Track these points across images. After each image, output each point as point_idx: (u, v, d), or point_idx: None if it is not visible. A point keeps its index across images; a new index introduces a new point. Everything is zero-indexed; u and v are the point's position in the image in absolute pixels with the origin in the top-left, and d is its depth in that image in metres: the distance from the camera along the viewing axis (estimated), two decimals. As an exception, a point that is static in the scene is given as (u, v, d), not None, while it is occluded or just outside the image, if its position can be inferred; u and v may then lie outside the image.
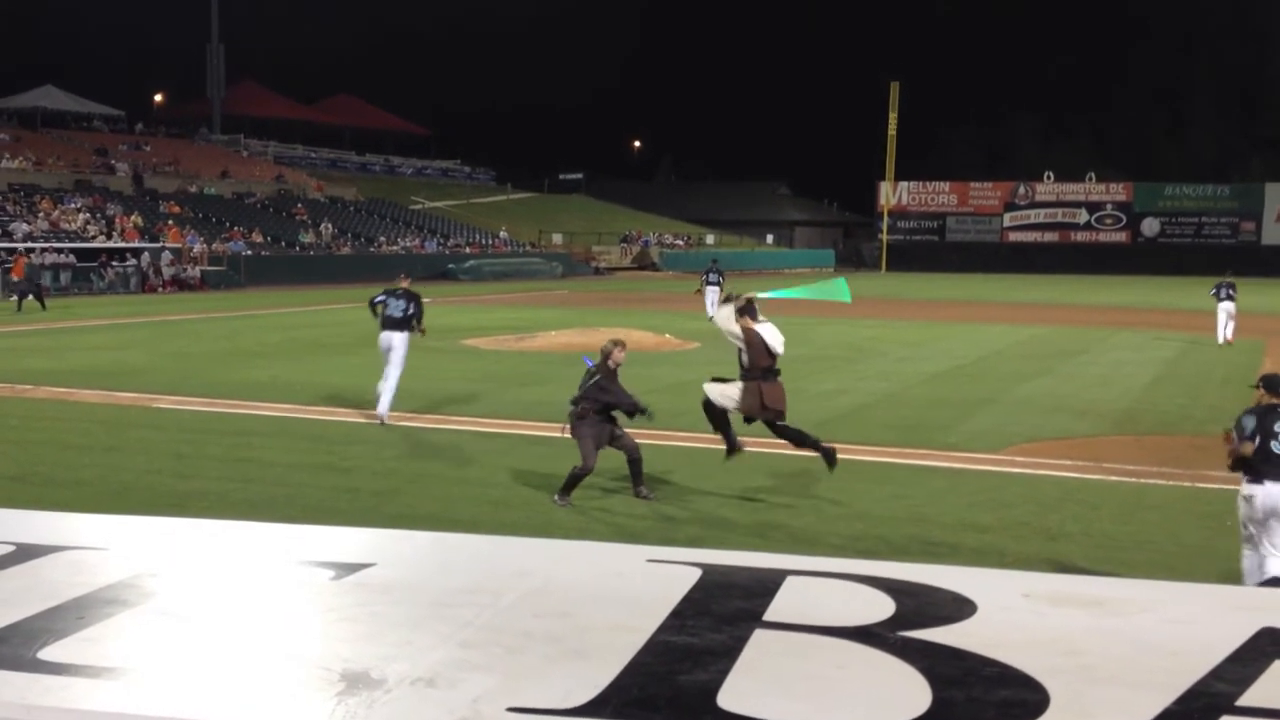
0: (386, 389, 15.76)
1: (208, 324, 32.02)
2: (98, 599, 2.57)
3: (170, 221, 55.79)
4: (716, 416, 11.72)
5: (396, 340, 15.97)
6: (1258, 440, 7.76)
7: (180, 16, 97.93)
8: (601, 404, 11.21)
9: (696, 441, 14.43)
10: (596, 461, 11.11)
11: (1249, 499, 7.77)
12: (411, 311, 16.11)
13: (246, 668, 2.24)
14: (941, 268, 79.06)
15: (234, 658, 2.29)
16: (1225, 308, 28.28)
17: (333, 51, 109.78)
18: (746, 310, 11.59)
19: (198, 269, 50.00)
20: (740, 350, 11.51)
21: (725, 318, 11.72)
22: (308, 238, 61.63)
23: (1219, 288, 28.67)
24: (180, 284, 47.72)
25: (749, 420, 11.70)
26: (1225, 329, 28.15)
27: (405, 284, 16.73)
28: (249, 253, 55.01)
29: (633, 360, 23.32)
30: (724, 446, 11.90)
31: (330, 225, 64.29)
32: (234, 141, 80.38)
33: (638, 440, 11.40)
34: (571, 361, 22.81)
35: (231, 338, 27.72)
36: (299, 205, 66.94)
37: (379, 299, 16.27)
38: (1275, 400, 7.89)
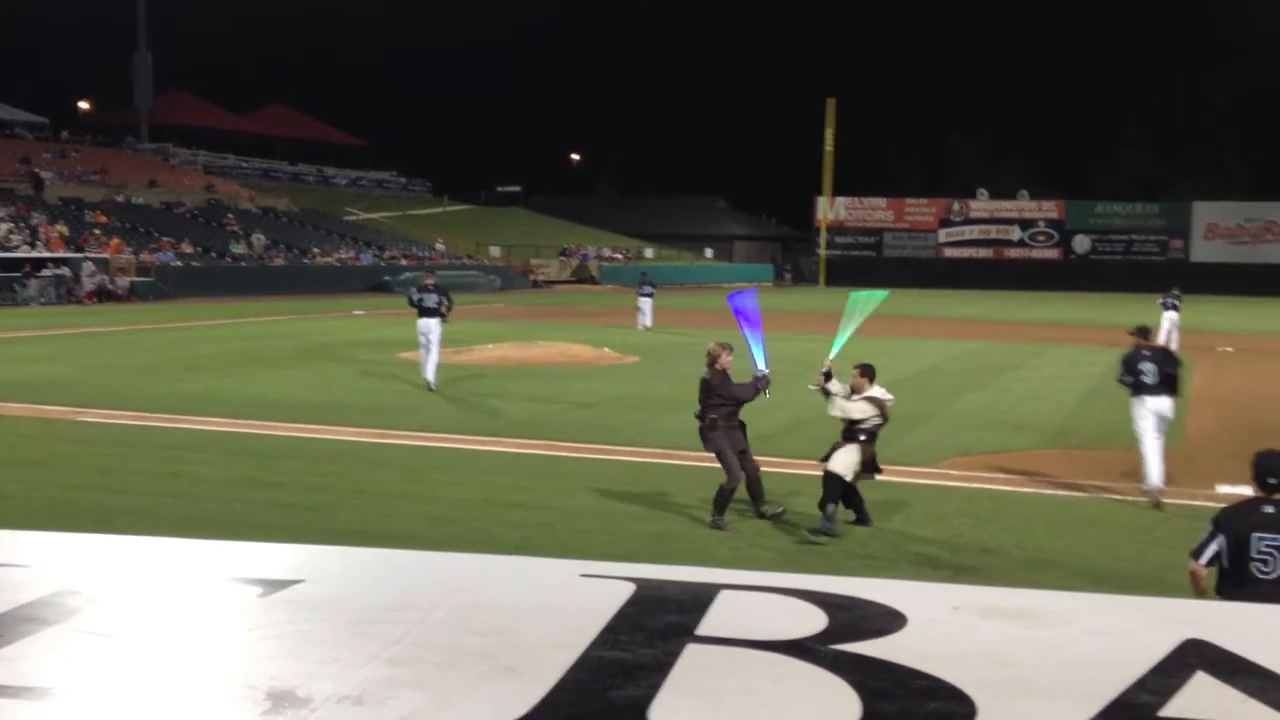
0: (431, 365, 20.39)
1: (136, 336, 31.53)
2: (17, 617, 2.51)
3: (97, 230, 54.93)
4: (838, 489, 10.74)
5: (434, 325, 20.46)
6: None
7: (108, 24, 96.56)
8: (724, 405, 11.07)
9: (638, 456, 14.45)
10: (741, 471, 10.97)
11: None
12: (443, 303, 20.70)
13: (169, 687, 2.20)
14: (878, 283, 79.08)
15: (157, 677, 2.25)
16: (1170, 317, 30.06)
17: (264, 61, 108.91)
18: (866, 371, 11.09)
19: (126, 280, 49.20)
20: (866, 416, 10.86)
21: (846, 404, 10.93)
22: (239, 249, 60.93)
23: (1166, 299, 30.64)
24: (107, 295, 46.92)
25: (851, 481, 10.86)
26: (1168, 337, 29.53)
27: (432, 281, 21.64)
28: (178, 264, 54.27)
29: (571, 374, 23.40)
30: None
31: (262, 236, 63.62)
32: (162, 151, 79.34)
33: (565, 455, 11.37)
34: (510, 375, 22.79)
35: (161, 350, 27.32)
36: (230, 216, 66.21)
37: (416, 296, 20.97)
38: (1141, 343, 6.84)
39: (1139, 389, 12.40)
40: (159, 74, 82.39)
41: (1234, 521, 6.07)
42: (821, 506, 10.58)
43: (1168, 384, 12.43)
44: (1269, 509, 5.98)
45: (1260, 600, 5.53)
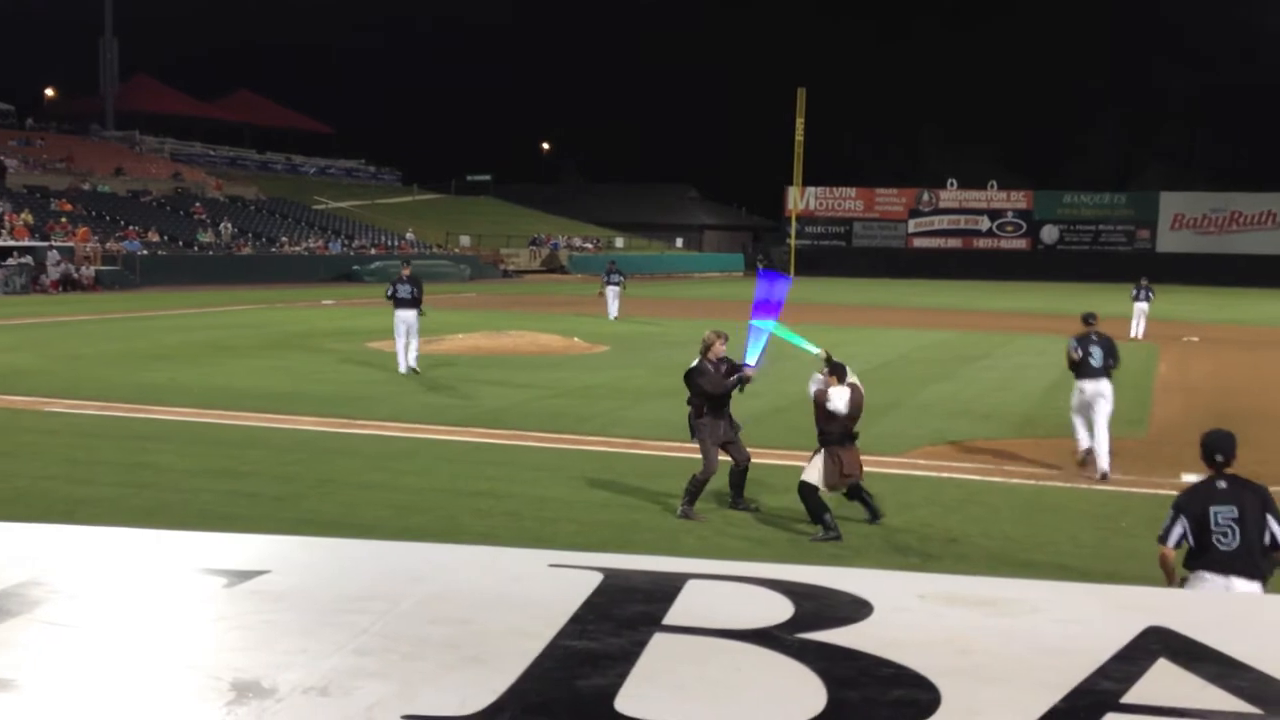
0: (412, 352, 21.26)
1: (102, 325, 31.27)
2: (-20, 608, 2.49)
3: (64, 219, 54.41)
4: (816, 501, 10.35)
5: (411, 316, 21.24)
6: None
7: (74, 10, 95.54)
8: (705, 394, 10.84)
9: (607, 445, 14.46)
10: (717, 464, 10.86)
11: None
12: (416, 293, 21.53)
13: (134, 678, 2.19)
14: (848, 272, 79.97)
15: (121, 668, 2.24)
16: (1140, 307, 31.33)
17: (232, 48, 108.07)
18: (835, 370, 10.55)
19: (91, 269, 48.76)
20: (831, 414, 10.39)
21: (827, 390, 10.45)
22: (206, 237, 60.49)
23: (1138, 289, 31.76)
24: (72, 284, 46.49)
25: (831, 490, 10.52)
26: (1137, 326, 30.88)
27: (408, 272, 22.40)
28: (145, 252, 53.82)
29: (541, 363, 23.37)
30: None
31: (230, 225, 63.16)
32: (129, 138, 78.61)
33: (534, 444, 11.33)
34: (480, 364, 22.74)
35: (127, 339, 27.10)
36: (197, 204, 65.71)
37: (390, 290, 21.89)
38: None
39: (1083, 371, 13.49)
40: (125, 60, 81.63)
41: (1192, 502, 6.48)
42: (816, 521, 10.24)
43: (1109, 371, 13.60)
44: (1221, 484, 6.43)
45: (1224, 569, 6.22)
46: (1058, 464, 13.63)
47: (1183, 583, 6.39)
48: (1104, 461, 13.11)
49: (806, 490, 10.28)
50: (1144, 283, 32.19)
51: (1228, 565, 6.20)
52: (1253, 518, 6.26)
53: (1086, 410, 13.46)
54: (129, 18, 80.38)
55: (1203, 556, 6.33)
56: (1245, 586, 6.13)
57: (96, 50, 79.21)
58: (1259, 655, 2.32)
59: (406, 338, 21.25)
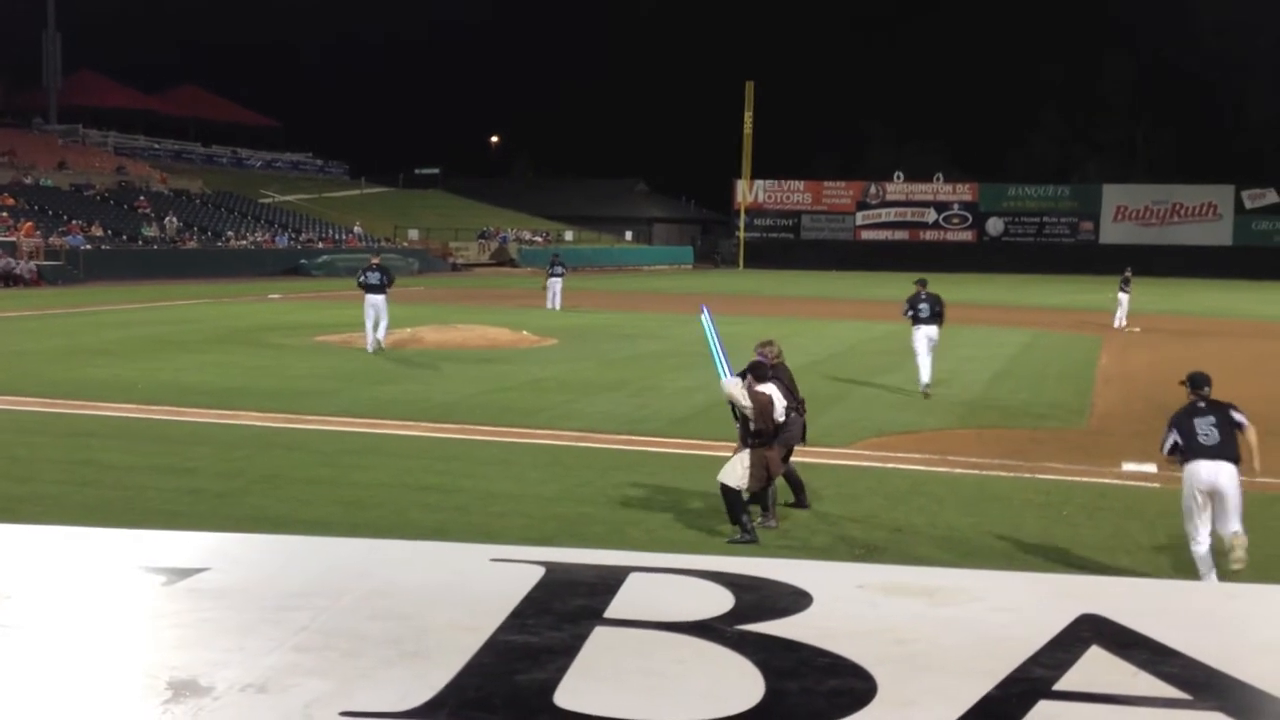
0: (381, 331, 23.44)
1: (44, 321, 30.81)
2: (-88, 609, 2.46)
3: (5, 213, 53.53)
4: (737, 503, 10.05)
5: (379, 300, 23.30)
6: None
7: (15, 3, 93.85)
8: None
9: (556, 439, 14.45)
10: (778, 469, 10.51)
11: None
12: (384, 280, 23.69)
13: (70, 677, 2.18)
14: (797, 265, 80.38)
15: (57, 667, 2.22)
16: (1120, 298, 33.20)
17: (176, 41, 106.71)
18: (755, 370, 10.41)
19: (33, 264, 48.00)
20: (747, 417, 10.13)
21: (736, 388, 10.18)
22: (151, 232, 59.69)
23: (1122, 281, 33.80)
24: (14, 280, 45.74)
25: (750, 491, 10.19)
26: (1117, 317, 32.85)
27: (376, 261, 25.11)
28: (88, 247, 53.04)
29: (490, 357, 23.30)
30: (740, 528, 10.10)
31: (175, 219, 62.37)
32: (72, 132, 77.40)
33: (483, 438, 11.29)
34: (429, 358, 22.64)
35: (70, 335, 26.71)
36: (141, 198, 64.81)
37: (360, 277, 23.97)
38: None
39: (917, 320, 18.78)
40: (69, 55, 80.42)
41: (1182, 417, 8.98)
42: (735, 522, 9.94)
43: (938, 317, 18.75)
44: (1201, 404, 9.00)
45: (1211, 456, 8.68)
46: (1001, 454, 13.78)
47: (1182, 468, 8.87)
48: (927, 376, 18.37)
49: (730, 494, 9.98)
50: (1125, 274, 34.02)
51: (1213, 454, 8.69)
52: (1223, 422, 8.79)
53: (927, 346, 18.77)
54: (72, 11, 79.29)
55: (1190, 452, 8.76)
56: (1227, 466, 8.68)
57: (40, 44, 77.92)
58: (1189, 642, 2.37)
59: (375, 319, 23.31)
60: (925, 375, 18.39)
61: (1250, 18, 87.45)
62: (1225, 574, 8.47)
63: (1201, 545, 8.71)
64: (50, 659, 2.27)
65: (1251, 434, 8.86)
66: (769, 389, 10.27)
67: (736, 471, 9.96)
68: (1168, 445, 8.97)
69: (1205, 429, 8.79)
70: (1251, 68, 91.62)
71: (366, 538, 6.03)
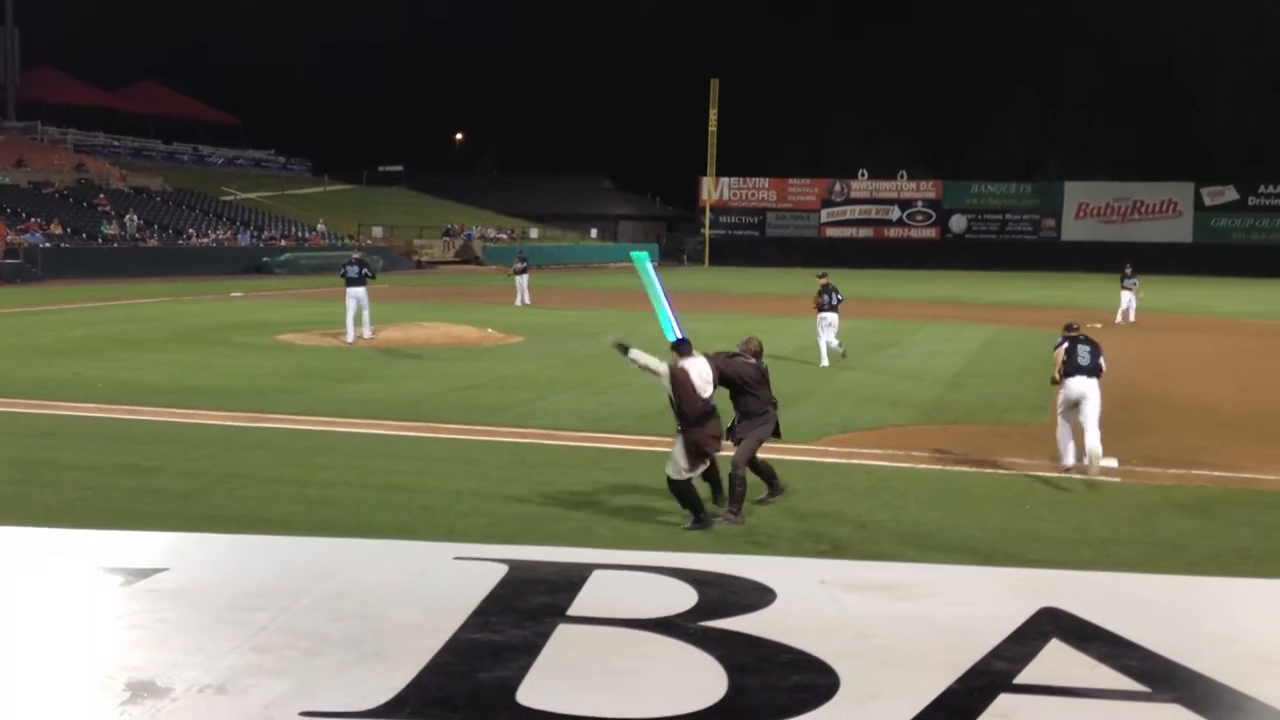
0: (365, 323, 24.82)
1: (1, 320, 30.44)
2: None
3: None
4: (686, 492, 9.96)
5: (360, 292, 24.55)
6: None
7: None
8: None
9: (522, 437, 14.41)
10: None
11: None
12: (365, 272, 25.03)
13: (26, 678, 2.15)
14: (762, 262, 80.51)
15: (13, 668, 2.19)
16: (1124, 295, 34.33)
17: (135, 37, 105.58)
18: (678, 346, 10.02)
19: (-9, 262, 47.47)
20: (669, 396, 9.92)
21: (651, 360, 9.96)
22: (111, 229, 59.09)
23: (1123, 278, 34.85)
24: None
25: (691, 472, 10.01)
26: (1120, 311, 33.82)
27: (357, 255, 26.53)
28: (47, 245, 52.46)
29: (455, 355, 23.22)
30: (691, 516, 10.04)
31: (135, 216, 61.76)
32: (30, 129, 76.52)
33: (448, 436, 11.23)
34: (393, 356, 22.53)
35: (29, 334, 26.42)
36: (101, 195, 64.14)
37: (341, 270, 25.21)
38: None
39: (824, 309, 22.37)
40: (26, 50, 79.37)
41: (1068, 336, 12.84)
42: (686, 508, 9.93)
43: (835, 306, 22.32)
44: (1081, 336, 12.86)
45: (1084, 374, 12.37)
46: (965, 449, 13.86)
47: (1059, 386, 12.63)
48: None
49: (675, 486, 9.89)
50: (1126, 271, 34.91)
51: (1085, 372, 12.34)
52: (1093, 350, 12.56)
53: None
54: (29, 7, 78.34)
55: (1072, 371, 12.37)
56: (1091, 380, 12.32)
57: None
58: (1148, 634, 2.38)
59: (357, 310, 24.52)
60: (834, 343, 22.40)
61: (1210, 17, 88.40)
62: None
63: (1067, 458, 12.50)
64: (6, 659, 2.24)
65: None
66: (690, 364, 9.94)
67: (677, 462, 9.94)
68: (1061, 349, 12.72)
69: (1083, 353, 12.49)
70: (1211, 66, 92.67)
71: (329, 537, 6.00)
